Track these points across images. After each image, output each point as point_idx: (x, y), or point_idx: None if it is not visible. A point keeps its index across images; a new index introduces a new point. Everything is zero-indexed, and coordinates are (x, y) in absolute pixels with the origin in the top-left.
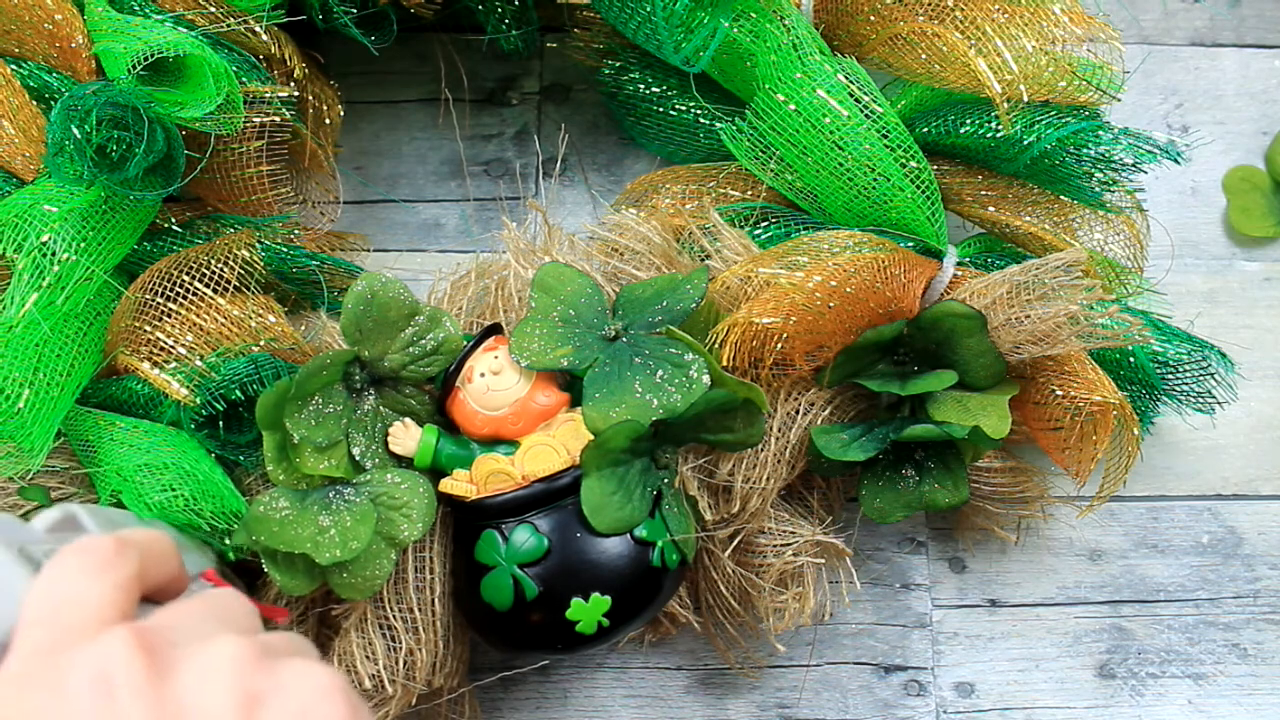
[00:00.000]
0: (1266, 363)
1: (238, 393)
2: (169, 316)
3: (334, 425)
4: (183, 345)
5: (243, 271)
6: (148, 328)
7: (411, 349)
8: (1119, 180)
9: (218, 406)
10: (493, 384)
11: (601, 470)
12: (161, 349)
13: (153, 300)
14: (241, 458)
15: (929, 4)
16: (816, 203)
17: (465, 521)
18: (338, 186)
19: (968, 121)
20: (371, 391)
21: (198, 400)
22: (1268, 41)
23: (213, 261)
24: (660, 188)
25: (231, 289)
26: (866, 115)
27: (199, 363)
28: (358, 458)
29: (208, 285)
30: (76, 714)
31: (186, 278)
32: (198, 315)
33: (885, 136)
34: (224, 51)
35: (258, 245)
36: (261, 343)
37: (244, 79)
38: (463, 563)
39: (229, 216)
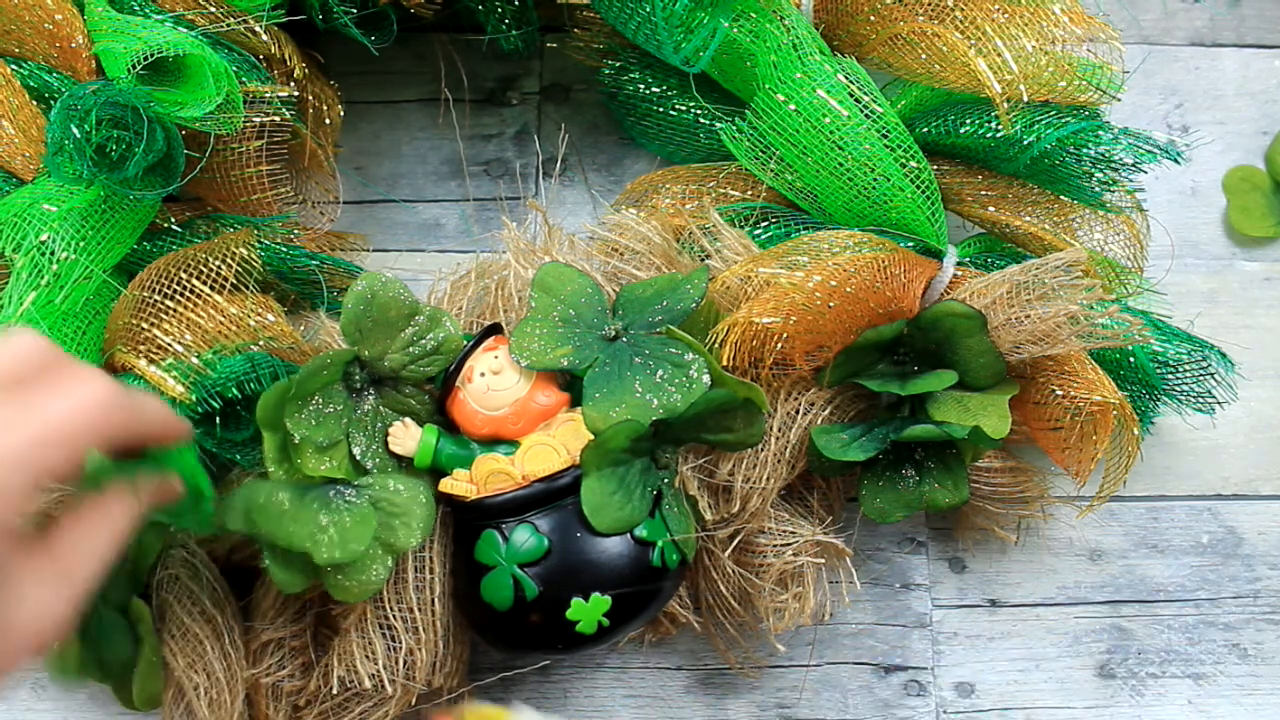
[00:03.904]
0: (1266, 363)
1: (234, 391)
2: (167, 314)
3: (334, 425)
4: (180, 343)
5: (241, 269)
6: (145, 325)
7: (411, 349)
8: (1119, 180)
9: (213, 404)
10: (493, 384)
11: (601, 470)
12: (159, 347)
13: (150, 298)
14: (239, 455)
15: (929, 4)
16: (816, 203)
17: (465, 521)
18: (338, 186)
19: (968, 121)
20: (371, 391)
21: (194, 398)
22: (1268, 41)
23: (211, 259)
24: (660, 188)
25: (230, 287)
26: (866, 115)
27: (195, 360)
28: (358, 457)
29: (206, 283)
30: None
31: (184, 275)
32: (196, 313)
33: (885, 136)
34: (224, 51)
35: (256, 244)
36: (261, 342)
37: (244, 79)
38: (463, 563)
39: (229, 216)
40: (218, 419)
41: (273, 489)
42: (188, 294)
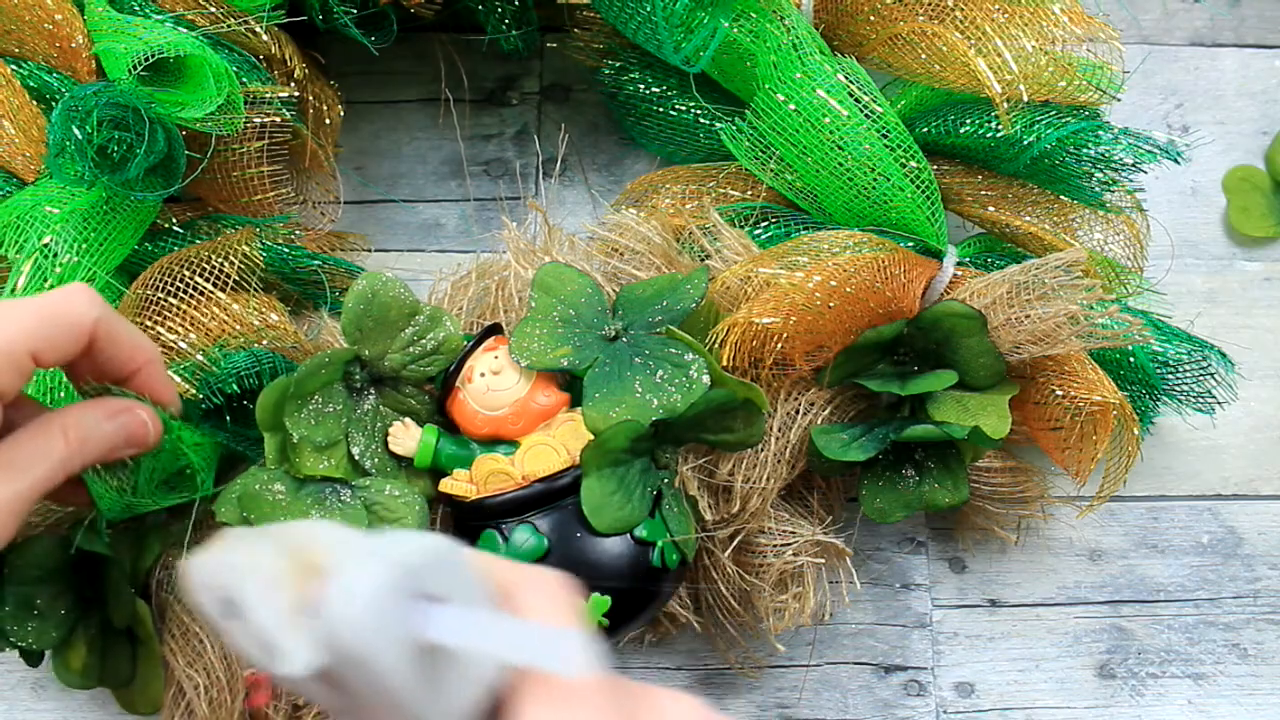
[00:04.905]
0: (1266, 363)
1: (235, 386)
2: (171, 312)
3: (334, 424)
4: (185, 341)
5: (243, 267)
6: (150, 323)
7: (412, 348)
8: (1119, 180)
9: (215, 400)
10: (493, 384)
11: (601, 470)
12: (164, 345)
13: (154, 296)
14: (249, 451)
15: (929, 4)
16: (816, 203)
17: (465, 522)
18: (338, 186)
19: (968, 121)
20: (371, 391)
21: (199, 395)
22: (1268, 41)
23: (214, 256)
24: (660, 188)
25: (233, 285)
26: (866, 115)
27: (199, 357)
28: (357, 457)
29: (209, 280)
30: None
31: (187, 273)
32: (199, 311)
33: (885, 136)
34: (224, 51)
35: (259, 243)
36: (264, 341)
37: (244, 79)
38: None
39: (230, 217)
40: (227, 416)
41: (270, 478)
42: (191, 291)
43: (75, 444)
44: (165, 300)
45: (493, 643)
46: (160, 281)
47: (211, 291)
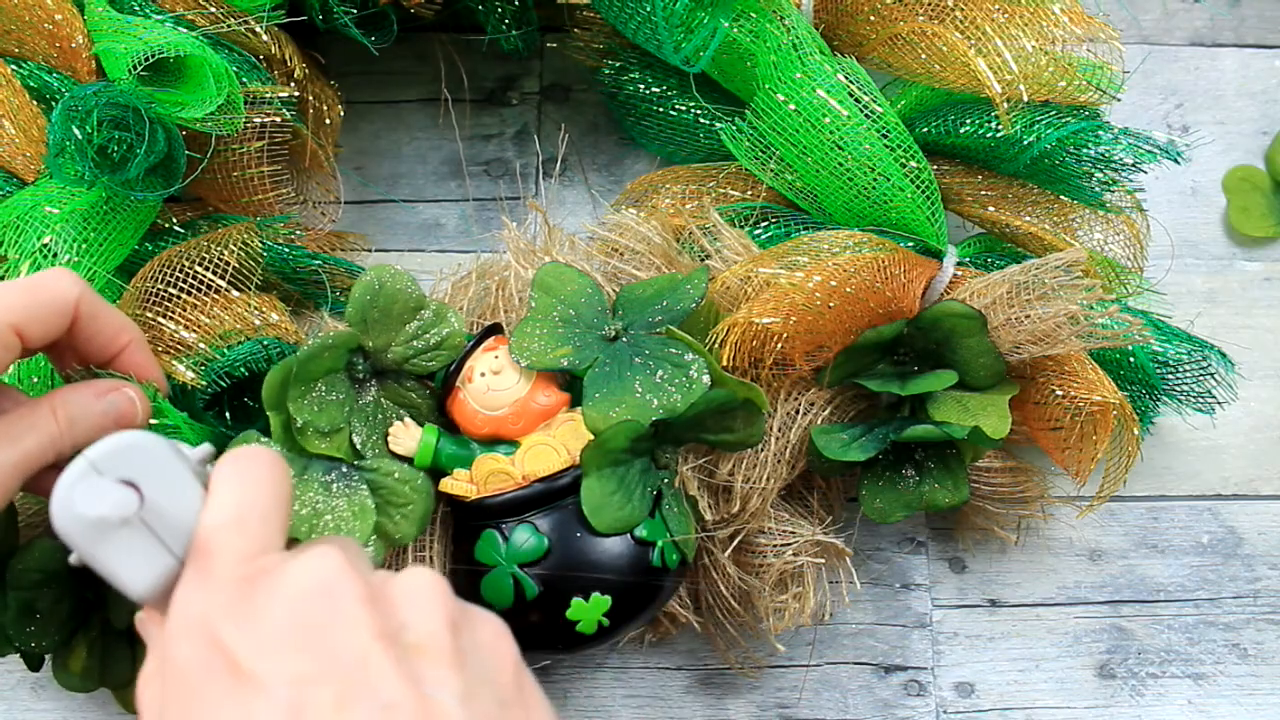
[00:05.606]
0: (1266, 363)
1: (243, 370)
2: (174, 304)
3: (336, 412)
4: (189, 332)
5: (243, 256)
6: (151, 315)
7: (415, 342)
8: (1119, 180)
9: (222, 384)
10: (493, 384)
11: (601, 470)
12: (169, 338)
13: (156, 288)
14: None
15: (929, 4)
16: (816, 203)
17: (465, 521)
18: (338, 186)
19: (968, 121)
20: (374, 383)
21: (203, 382)
22: (1268, 41)
23: (214, 246)
24: (660, 188)
25: (232, 276)
26: (866, 115)
27: (203, 347)
28: (359, 446)
29: (209, 270)
30: (305, 615)
31: (187, 263)
32: (201, 301)
33: (885, 136)
34: (224, 52)
35: (259, 241)
36: (265, 342)
37: (244, 79)
38: (463, 562)
39: (230, 217)
40: (227, 413)
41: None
42: (194, 282)
43: (64, 422)
44: (166, 292)
45: (158, 517)
46: (161, 274)
47: (213, 281)
